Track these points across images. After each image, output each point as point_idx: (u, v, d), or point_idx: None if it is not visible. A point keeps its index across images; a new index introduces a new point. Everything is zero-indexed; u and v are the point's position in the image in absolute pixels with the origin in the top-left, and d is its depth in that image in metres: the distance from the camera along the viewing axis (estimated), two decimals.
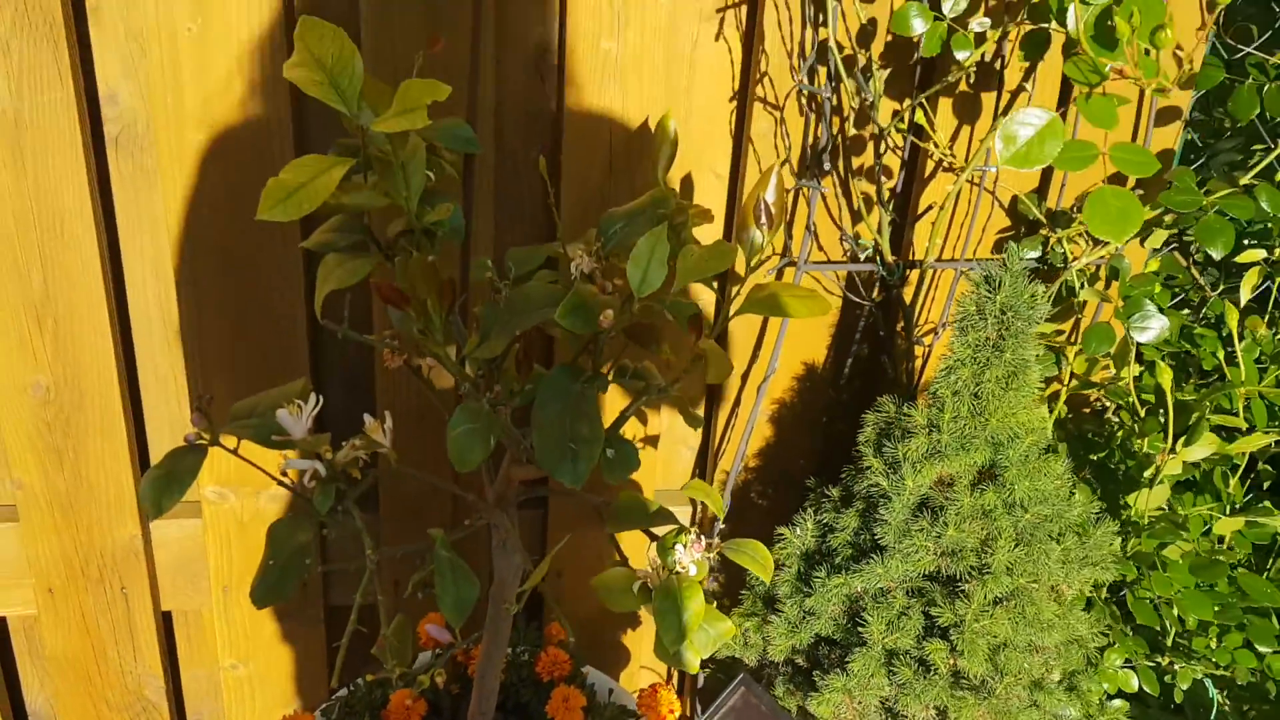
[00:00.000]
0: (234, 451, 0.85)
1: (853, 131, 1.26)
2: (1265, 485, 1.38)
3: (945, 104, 1.24)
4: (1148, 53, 0.94)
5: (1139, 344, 1.21)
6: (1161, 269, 1.28)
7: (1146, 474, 1.18)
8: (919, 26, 1.04)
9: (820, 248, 1.32)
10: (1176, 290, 1.47)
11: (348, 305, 0.93)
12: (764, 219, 0.97)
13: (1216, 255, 1.11)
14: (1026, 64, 1.16)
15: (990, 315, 1.04)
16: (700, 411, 1.42)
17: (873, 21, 1.18)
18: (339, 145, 0.92)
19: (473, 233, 1.18)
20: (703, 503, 1.44)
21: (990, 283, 1.03)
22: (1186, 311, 1.44)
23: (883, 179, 1.28)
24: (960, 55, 1.06)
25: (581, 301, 0.91)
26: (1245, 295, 1.28)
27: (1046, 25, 1.06)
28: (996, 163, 0.94)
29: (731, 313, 0.94)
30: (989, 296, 1.03)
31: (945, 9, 1.06)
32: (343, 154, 0.90)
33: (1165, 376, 1.14)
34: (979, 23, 1.04)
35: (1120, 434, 1.26)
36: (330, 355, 1.32)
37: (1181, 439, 1.15)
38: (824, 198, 1.29)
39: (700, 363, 0.96)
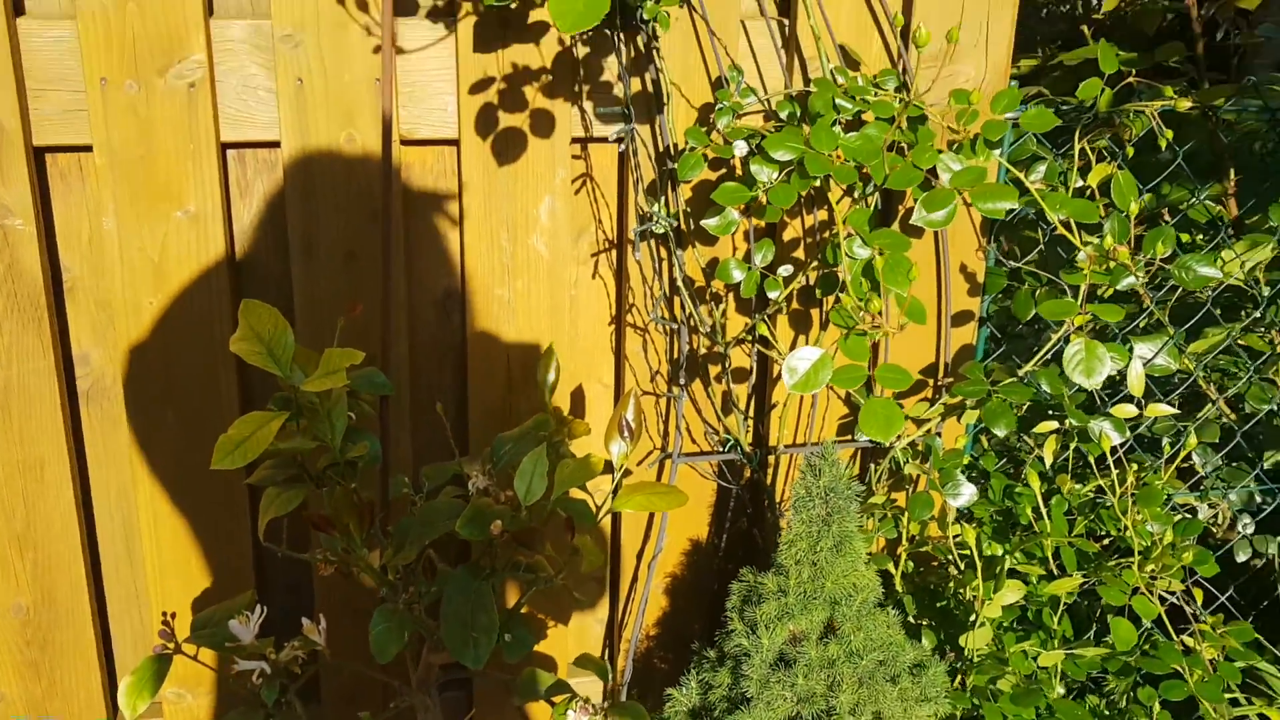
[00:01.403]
0: (194, 658, 1.05)
1: (714, 346, 1.52)
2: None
3: (784, 319, 1.51)
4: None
5: (957, 508, 1.45)
6: (971, 443, 1.54)
7: (971, 617, 1.41)
8: (737, 275, 1.31)
9: (694, 440, 1.56)
10: (1001, 454, 1.72)
11: (285, 526, 1.14)
12: (626, 433, 1.21)
13: (1000, 433, 1.36)
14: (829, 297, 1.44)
15: (817, 496, 1.27)
16: (591, 594, 1.62)
17: (713, 262, 1.45)
18: (276, 399, 1.15)
19: (391, 457, 1.40)
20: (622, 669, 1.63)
21: (814, 470, 1.27)
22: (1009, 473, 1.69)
23: (736, 383, 1.53)
24: (772, 294, 1.33)
25: (478, 512, 1.13)
26: (1048, 458, 1.53)
27: (834, 268, 1.33)
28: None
29: (600, 515, 1.17)
30: (814, 481, 1.27)
31: (756, 260, 1.33)
32: (279, 406, 1.13)
33: (970, 535, 1.37)
34: (784, 269, 1.31)
35: (952, 584, 1.48)
36: (275, 563, 1.51)
37: (991, 585, 1.38)
38: (694, 399, 1.54)
39: (577, 556, 1.17)
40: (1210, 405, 1.79)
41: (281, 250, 1.38)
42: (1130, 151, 1.53)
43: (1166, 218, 1.78)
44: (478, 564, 1.15)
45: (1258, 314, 1.77)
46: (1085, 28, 1.87)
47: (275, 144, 1.33)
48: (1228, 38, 2.06)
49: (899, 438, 1.46)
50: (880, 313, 1.14)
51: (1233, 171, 1.88)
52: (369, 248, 1.37)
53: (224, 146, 1.33)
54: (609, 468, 1.20)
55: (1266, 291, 1.77)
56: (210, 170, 1.30)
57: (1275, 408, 1.78)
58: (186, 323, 1.35)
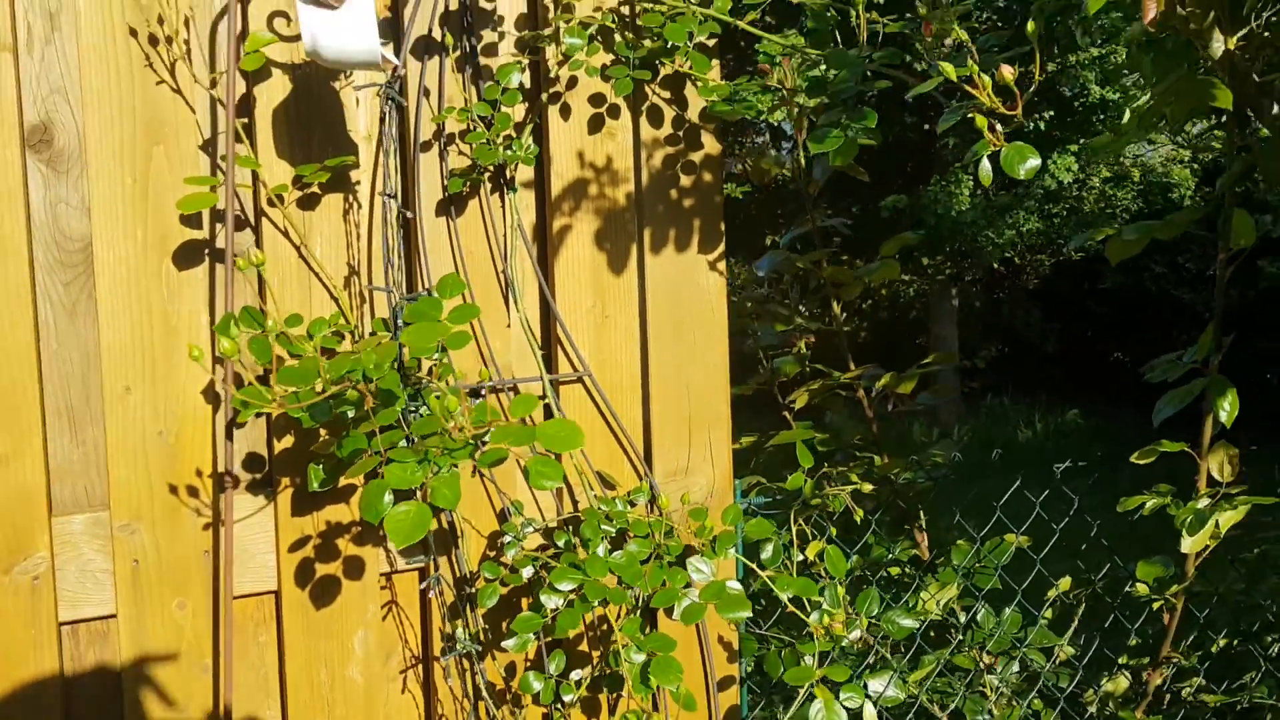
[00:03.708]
0: None
1: None
2: None
3: (576, 710, 1.73)
4: None
5: None
6: None
7: None
8: (535, 685, 1.54)
9: None
10: None
11: None
12: None
13: None
14: None
15: None
16: None
17: (510, 665, 1.67)
18: None
19: None
20: None
21: None
22: None
23: None
24: (567, 698, 1.56)
25: None
26: None
27: (617, 669, 1.59)
28: None
29: None
30: None
31: (550, 669, 1.57)
32: None
33: None
34: (575, 674, 1.56)
35: None
36: None
37: None
38: None
39: None
40: None
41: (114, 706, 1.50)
42: (834, 531, 1.91)
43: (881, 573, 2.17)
44: None
45: (960, 637, 2.14)
46: (787, 413, 2.30)
47: (111, 616, 1.48)
48: (898, 405, 2.56)
49: None
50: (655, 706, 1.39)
51: (923, 523, 2.30)
52: (201, 696, 1.51)
53: (61, 625, 1.46)
54: None
55: (963, 618, 2.15)
56: (51, 648, 1.43)
57: (988, 717, 2.12)
58: None
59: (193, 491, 1.49)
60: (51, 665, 1.44)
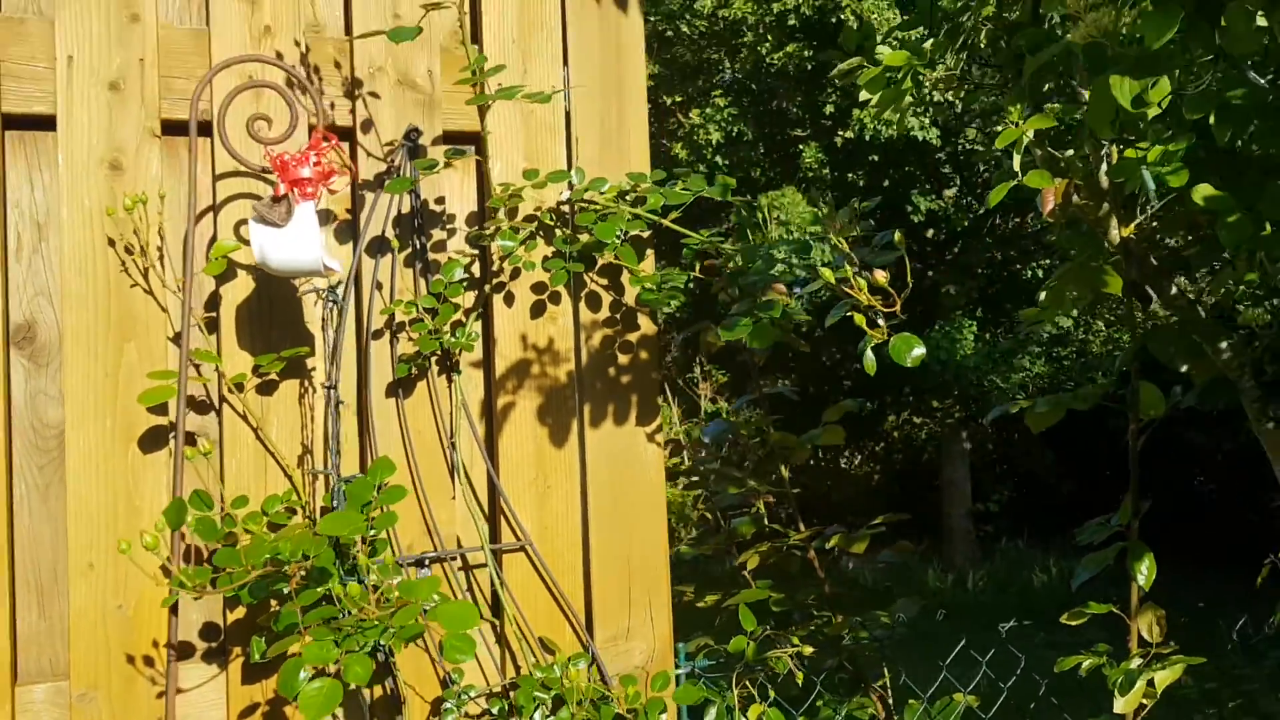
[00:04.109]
0: None
1: None
2: None
3: None
4: None
5: None
6: None
7: None
8: None
9: None
10: None
11: None
12: None
13: None
14: None
15: None
16: None
17: None
18: None
19: None
20: None
21: None
22: None
23: None
24: None
25: None
26: None
27: None
28: None
29: None
30: None
31: None
32: None
33: None
34: None
35: None
36: None
37: None
38: None
39: None
40: None
41: None
42: (771, 693, 1.97)
43: None
44: None
45: None
46: (745, 574, 2.39)
47: None
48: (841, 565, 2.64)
49: None
50: None
51: (887, 674, 2.35)
52: None
53: None
54: None
55: None
56: None
57: None
58: None
59: (149, 661, 1.59)
60: None
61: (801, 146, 10.07)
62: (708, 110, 10.15)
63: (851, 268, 1.35)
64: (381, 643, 1.58)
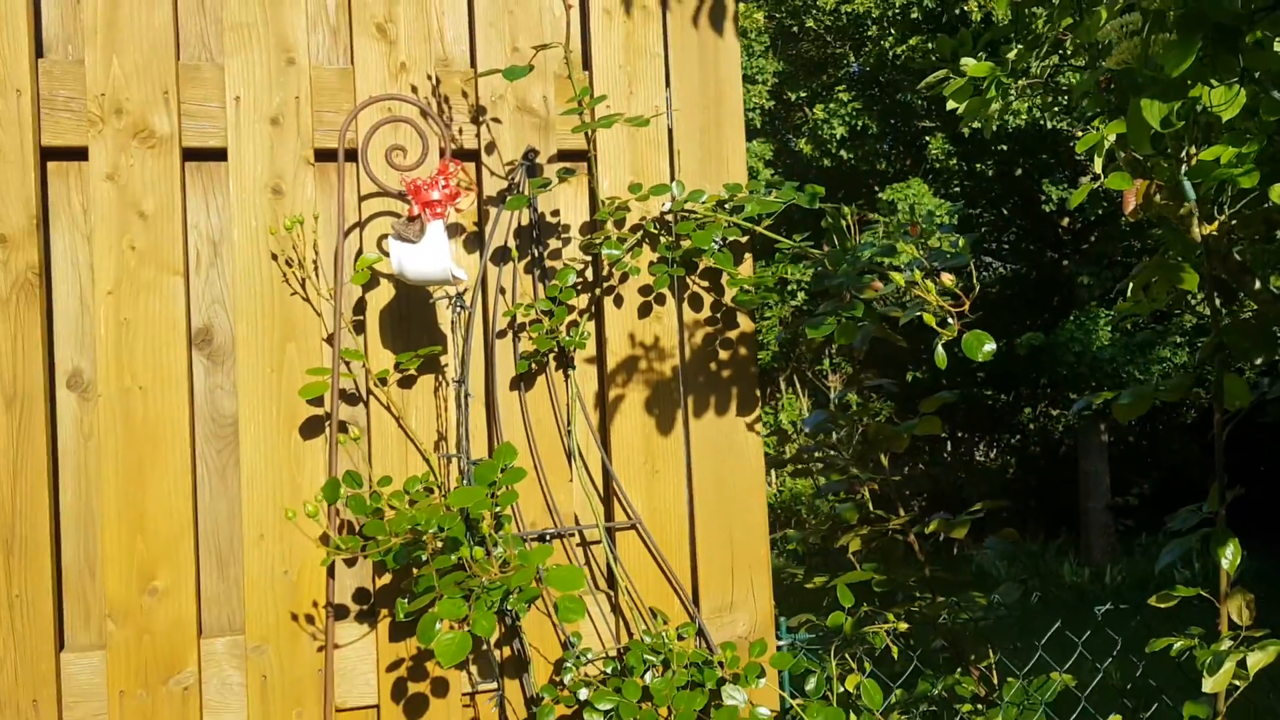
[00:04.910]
0: None
1: None
2: None
3: None
4: None
5: None
6: None
7: None
8: None
9: None
10: None
11: None
12: None
13: None
14: None
15: None
16: None
17: None
18: None
19: None
20: None
21: None
22: None
23: None
24: None
25: None
26: None
27: None
28: None
29: None
30: None
31: None
32: None
33: None
34: None
35: None
36: None
37: None
38: None
39: None
40: None
41: None
42: (868, 667, 2.11)
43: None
44: None
45: None
46: (851, 557, 2.52)
47: None
48: (953, 550, 2.74)
49: None
50: None
51: (990, 653, 2.45)
52: None
53: None
54: None
55: None
56: None
57: None
58: None
59: (310, 620, 1.84)
60: None
61: (928, 138, 10.01)
62: (832, 105, 10.18)
63: (920, 271, 1.48)
64: (509, 607, 1.79)
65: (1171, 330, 10.14)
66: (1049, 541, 10.88)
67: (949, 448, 13.45)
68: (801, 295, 9.53)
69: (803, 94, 11.06)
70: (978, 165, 9.91)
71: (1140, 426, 12.44)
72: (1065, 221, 11.15)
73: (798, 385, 13.09)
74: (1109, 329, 9.87)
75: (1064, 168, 10.48)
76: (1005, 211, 11.86)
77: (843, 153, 9.83)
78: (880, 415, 2.41)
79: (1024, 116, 8.25)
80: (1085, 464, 11.17)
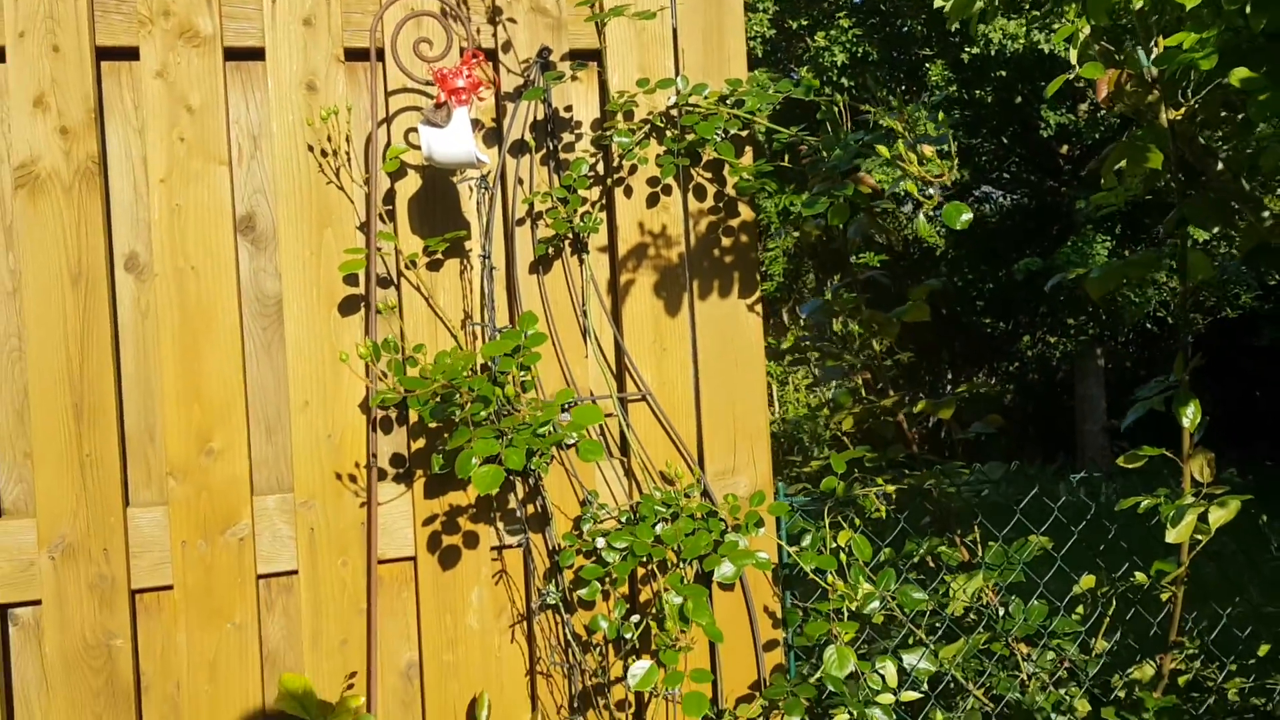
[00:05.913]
0: None
1: (598, 680, 2.15)
2: None
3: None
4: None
5: None
6: None
7: None
8: (604, 625, 1.99)
9: None
10: None
11: None
12: None
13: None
14: None
15: None
16: None
17: (593, 620, 2.12)
18: None
19: None
20: None
21: None
22: None
23: (619, 711, 2.15)
24: (627, 636, 2.00)
25: None
26: None
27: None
28: None
29: None
30: None
31: (615, 616, 2.02)
32: None
33: None
34: (634, 618, 2.00)
35: None
36: None
37: None
38: None
39: None
40: (971, 697, 2.44)
41: (297, 642, 2.02)
42: (858, 523, 2.30)
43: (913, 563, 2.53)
44: None
45: (995, 624, 2.47)
46: (844, 437, 2.71)
47: (294, 572, 2.01)
48: (949, 435, 2.92)
49: None
50: (688, 635, 1.82)
51: (973, 524, 2.65)
52: (358, 635, 2.02)
53: (258, 577, 2.00)
54: None
55: (1001, 611, 2.49)
56: (250, 595, 1.97)
57: (1020, 692, 2.44)
58: (226, 694, 1.95)
59: (352, 479, 2.03)
60: (251, 608, 1.98)
61: (928, 65, 10.06)
62: (832, 32, 10.23)
63: (904, 145, 1.64)
64: (532, 466, 1.97)
65: (1167, 254, 10.24)
66: (1046, 465, 11.11)
67: (949, 375, 13.65)
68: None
69: (804, 21, 11.10)
70: (977, 92, 9.98)
71: (1138, 354, 12.63)
72: (1064, 149, 11.23)
73: (798, 314, 13.26)
74: (1105, 253, 10.00)
75: (1063, 94, 10.53)
76: (1005, 140, 11.93)
77: (844, 80, 9.91)
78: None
79: (1021, 40, 8.31)
80: (1081, 389, 11.37)
